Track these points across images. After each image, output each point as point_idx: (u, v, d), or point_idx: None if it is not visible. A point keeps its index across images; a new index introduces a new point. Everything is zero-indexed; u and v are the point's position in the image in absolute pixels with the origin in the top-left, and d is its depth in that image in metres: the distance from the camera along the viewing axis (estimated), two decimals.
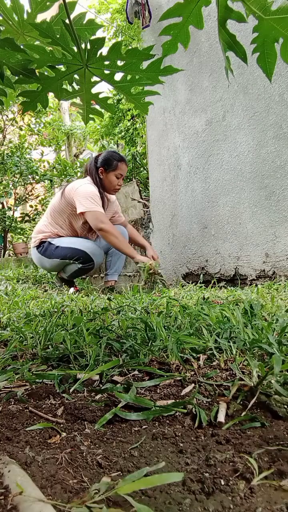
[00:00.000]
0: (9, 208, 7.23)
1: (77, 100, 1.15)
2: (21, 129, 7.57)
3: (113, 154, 3.02)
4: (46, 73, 1.06)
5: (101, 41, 0.95)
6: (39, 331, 1.15)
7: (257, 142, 2.65)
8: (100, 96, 1.14)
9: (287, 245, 2.46)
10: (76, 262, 3.01)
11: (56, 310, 1.63)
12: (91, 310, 1.54)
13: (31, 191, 7.52)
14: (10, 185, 6.80)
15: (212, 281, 2.83)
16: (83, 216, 2.88)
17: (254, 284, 2.51)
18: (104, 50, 0.97)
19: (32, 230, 7.51)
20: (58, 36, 0.95)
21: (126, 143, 6.66)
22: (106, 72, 1.02)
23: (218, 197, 2.94)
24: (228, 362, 0.85)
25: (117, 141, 7.23)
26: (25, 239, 7.97)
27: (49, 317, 1.40)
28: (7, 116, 7.24)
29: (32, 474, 0.47)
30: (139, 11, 3.62)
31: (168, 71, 1.02)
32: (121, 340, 1.01)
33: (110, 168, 2.97)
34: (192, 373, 0.81)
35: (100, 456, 0.52)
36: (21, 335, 1.17)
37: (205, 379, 0.77)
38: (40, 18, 1.08)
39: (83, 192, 2.88)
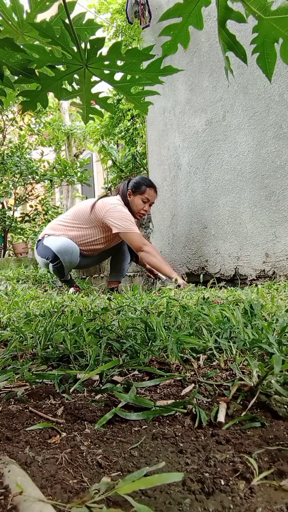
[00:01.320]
0: (9, 208, 7.23)
1: (77, 100, 1.15)
2: (21, 129, 7.57)
3: (144, 179, 3.08)
4: (45, 73, 1.06)
5: (101, 41, 0.95)
6: (39, 331, 1.15)
7: (257, 142, 2.64)
8: (100, 96, 1.14)
9: (287, 245, 2.46)
10: (49, 261, 3.05)
11: (56, 310, 1.63)
12: (91, 310, 1.54)
13: (31, 191, 7.52)
14: (10, 185, 6.80)
15: (211, 281, 2.83)
16: (119, 235, 2.93)
17: (254, 284, 2.51)
18: (104, 50, 0.97)
19: (32, 230, 7.53)
20: (57, 36, 0.95)
21: (126, 143, 6.66)
22: (106, 72, 1.02)
23: (218, 197, 2.94)
24: (228, 362, 0.85)
25: (117, 141, 7.22)
26: (25, 239, 7.97)
27: (49, 317, 1.40)
28: (7, 116, 7.24)
29: (32, 474, 0.47)
30: (139, 11, 3.62)
31: (168, 71, 1.02)
32: (121, 340, 1.01)
33: (137, 191, 3.01)
34: (192, 373, 0.81)
35: (100, 456, 0.52)
36: (21, 335, 1.17)
37: (205, 379, 0.77)
38: (39, 18, 1.08)
39: (118, 213, 2.91)
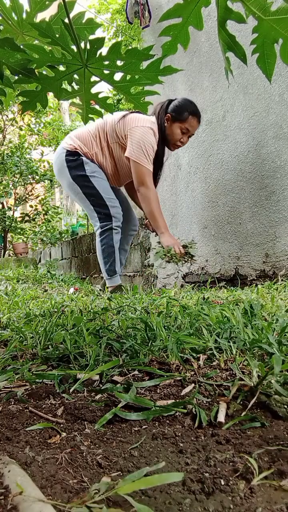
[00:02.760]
0: (9, 208, 7.23)
1: (77, 100, 1.15)
2: (21, 129, 7.57)
3: (188, 103, 2.54)
4: (45, 73, 1.06)
5: (100, 41, 0.95)
6: (39, 331, 1.15)
7: (257, 142, 2.64)
8: (100, 96, 1.14)
9: (287, 245, 2.46)
10: (95, 213, 2.61)
11: (56, 310, 1.63)
12: (91, 310, 1.54)
13: (31, 191, 7.52)
14: (10, 185, 6.80)
15: (209, 280, 2.82)
16: (129, 161, 2.52)
17: (254, 284, 2.51)
18: (103, 50, 0.97)
19: (32, 230, 7.53)
20: (57, 35, 0.95)
21: None
22: (106, 72, 1.02)
23: (218, 197, 2.94)
24: (228, 362, 0.85)
25: None
26: (25, 239, 7.97)
27: (49, 317, 1.40)
28: (7, 116, 7.24)
29: (32, 474, 0.47)
30: (139, 11, 3.62)
31: (168, 71, 1.02)
32: (121, 340, 1.01)
33: (178, 118, 2.51)
34: (192, 373, 0.81)
35: (100, 456, 0.52)
36: (21, 335, 1.17)
37: (205, 379, 0.77)
38: (39, 17, 1.08)
39: (140, 136, 2.45)
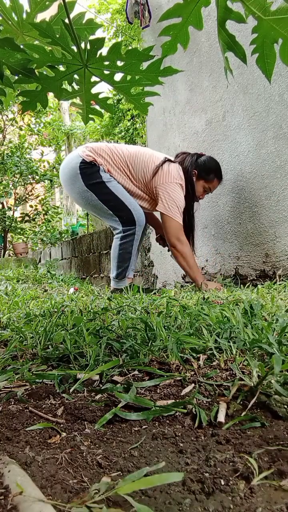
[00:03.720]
0: (9, 208, 7.24)
1: (77, 100, 1.15)
2: (21, 129, 7.57)
3: (217, 166, 2.63)
4: (45, 73, 1.06)
5: (100, 41, 0.95)
6: (39, 331, 1.15)
7: (257, 142, 2.64)
8: (100, 96, 1.14)
9: (287, 245, 2.46)
10: (116, 218, 2.54)
11: (56, 310, 1.63)
12: (91, 310, 1.54)
13: (31, 191, 7.53)
14: (10, 185, 6.80)
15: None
16: (161, 214, 2.51)
17: (251, 284, 2.51)
18: (104, 50, 0.97)
19: (32, 230, 7.53)
20: (57, 36, 0.95)
21: (126, 143, 6.67)
22: (106, 72, 1.02)
23: (218, 197, 2.94)
24: (228, 362, 0.85)
25: (117, 141, 7.23)
26: (25, 239, 7.98)
27: (49, 317, 1.40)
28: (7, 116, 7.24)
29: (32, 474, 0.47)
30: (139, 11, 3.62)
31: (168, 72, 1.02)
32: (121, 340, 1.01)
33: (204, 177, 2.59)
34: (192, 373, 0.81)
35: (100, 456, 0.52)
36: (21, 335, 1.17)
37: (205, 379, 0.77)
38: (39, 18, 1.08)
39: (174, 193, 2.49)
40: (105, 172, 2.54)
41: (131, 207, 2.53)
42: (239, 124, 2.78)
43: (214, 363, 0.86)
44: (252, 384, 0.69)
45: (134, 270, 2.77)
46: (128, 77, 1.04)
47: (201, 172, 2.57)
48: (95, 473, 0.48)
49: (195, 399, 0.68)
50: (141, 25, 3.65)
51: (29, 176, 6.81)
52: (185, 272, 2.57)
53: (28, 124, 7.62)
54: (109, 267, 4.31)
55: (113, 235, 2.67)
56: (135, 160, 2.56)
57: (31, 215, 7.33)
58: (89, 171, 2.52)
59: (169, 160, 2.58)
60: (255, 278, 2.66)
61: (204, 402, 0.68)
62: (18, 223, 7.29)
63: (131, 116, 6.61)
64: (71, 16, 1.01)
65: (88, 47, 0.96)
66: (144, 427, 0.61)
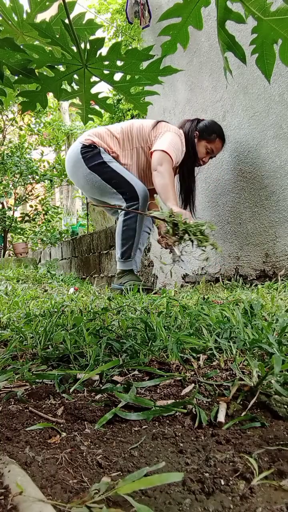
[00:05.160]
0: (9, 208, 7.24)
1: (76, 100, 1.15)
2: (21, 129, 7.57)
3: (217, 126, 2.59)
4: (45, 73, 1.06)
5: (100, 41, 0.95)
6: (39, 331, 1.15)
7: (257, 142, 2.64)
8: (100, 96, 1.14)
9: (287, 245, 2.46)
10: (120, 195, 2.49)
11: (56, 310, 1.63)
12: (91, 310, 1.54)
13: (31, 191, 7.53)
14: (10, 185, 6.80)
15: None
16: (151, 155, 2.45)
17: (254, 284, 2.51)
18: (103, 50, 0.97)
19: (32, 230, 7.53)
20: (57, 36, 0.95)
21: None
22: (106, 72, 1.02)
23: (218, 197, 2.94)
24: (228, 362, 0.85)
25: None
26: (25, 239, 7.98)
27: (49, 317, 1.40)
28: (7, 116, 7.24)
29: (32, 474, 0.47)
30: (139, 11, 3.62)
31: (168, 72, 1.02)
32: (121, 340, 1.01)
33: (206, 137, 2.55)
34: (192, 373, 0.81)
35: (100, 456, 0.52)
36: (21, 335, 1.17)
37: (205, 379, 0.77)
38: (39, 18, 1.08)
39: (171, 139, 2.42)
40: (105, 153, 2.55)
41: (133, 183, 2.50)
42: (239, 124, 2.78)
43: (214, 363, 0.86)
44: (252, 384, 0.69)
45: (138, 269, 2.72)
46: (128, 77, 1.04)
47: (203, 132, 2.54)
48: (95, 473, 0.48)
49: (195, 399, 0.68)
50: (141, 25, 3.65)
51: (29, 176, 6.81)
52: (161, 192, 2.34)
53: (28, 124, 7.62)
54: (109, 267, 4.31)
55: (113, 235, 2.66)
56: (131, 125, 2.59)
57: (31, 215, 7.33)
58: (90, 154, 2.53)
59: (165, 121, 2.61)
60: (255, 278, 2.66)
61: (204, 402, 0.68)
62: (18, 223, 7.29)
63: (131, 116, 6.61)
64: (71, 16, 1.01)
65: (88, 47, 0.96)
66: (144, 427, 0.61)
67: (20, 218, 7.32)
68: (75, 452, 0.53)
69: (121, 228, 2.55)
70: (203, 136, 2.56)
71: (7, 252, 7.55)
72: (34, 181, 7.04)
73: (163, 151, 2.38)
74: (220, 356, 0.87)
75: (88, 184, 2.59)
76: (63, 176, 6.94)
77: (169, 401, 0.68)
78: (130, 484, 0.41)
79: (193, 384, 0.75)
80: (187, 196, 2.65)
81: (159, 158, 2.38)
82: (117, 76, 1.05)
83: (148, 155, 2.56)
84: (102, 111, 1.18)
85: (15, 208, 7.30)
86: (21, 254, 7.74)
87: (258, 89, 2.63)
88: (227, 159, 2.85)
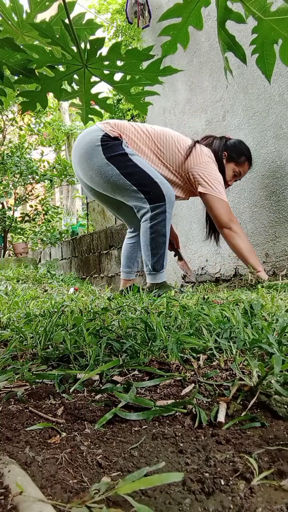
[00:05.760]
0: (9, 208, 7.24)
1: (76, 101, 1.15)
2: (21, 129, 7.57)
3: (247, 148, 2.41)
4: (45, 73, 1.06)
5: (100, 41, 0.95)
6: (39, 331, 1.15)
7: (257, 142, 2.64)
8: (100, 96, 1.14)
9: (287, 245, 2.46)
10: (142, 194, 2.19)
11: (56, 310, 1.63)
12: (91, 310, 1.54)
13: (31, 191, 7.53)
14: (10, 185, 6.81)
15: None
16: (203, 197, 2.25)
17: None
18: (103, 50, 0.97)
19: (32, 230, 7.53)
20: (57, 36, 0.95)
21: None
22: (106, 72, 1.02)
23: None
24: (228, 362, 0.85)
25: None
26: (25, 239, 7.98)
27: (49, 317, 1.40)
28: (7, 116, 7.24)
29: (32, 474, 0.47)
30: (139, 11, 3.62)
31: (168, 72, 1.02)
32: (121, 340, 1.01)
33: (235, 160, 2.36)
34: (192, 373, 0.81)
35: (100, 456, 0.52)
36: (21, 335, 1.17)
37: (205, 379, 0.77)
38: (39, 18, 1.08)
39: (212, 172, 2.23)
40: (128, 147, 2.25)
41: (158, 181, 2.19)
42: (239, 124, 2.78)
43: (214, 363, 0.86)
44: (252, 384, 0.69)
45: (136, 270, 2.62)
46: (128, 77, 1.04)
47: (232, 154, 2.35)
48: (95, 473, 0.48)
49: (195, 399, 0.68)
50: (138, 25, 3.65)
51: (29, 176, 6.81)
52: (241, 257, 2.26)
53: (28, 124, 7.62)
54: (109, 267, 4.31)
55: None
56: (163, 140, 2.29)
57: (31, 215, 7.33)
58: (111, 143, 2.21)
59: (198, 142, 2.37)
60: None
61: (204, 402, 0.68)
62: (18, 223, 7.29)
63: (131, 116, 6.61)
64: (71, 16, 1.01)
65: (88, 47, 0.96)
66: (144, 427, 0.61)
67: (20, 218, 7.32)
68: (75, 452, 0.53)
69: (149, 236, 2.20)
70: (232, 158, 2.36)
71: (7, 252, 7.55)
72: (34, 181, 7.04)
73: (222, 199, 2.22)
74: (220, 356, 0.87)
75: (101, 177, 2.23)
76: (63, 176, 6.94)
77: (169, 401, 0.68)
78: (130, 484, 0.41)
79: (193, 384, 0.75)
80: (213, 225, 2.44)
81: (225, 211, 2.22)
82: (117, 76, 1.05)
83: (179, 180, 2.34)
84: (102, 111, 1.18)
85: (15, 208, 7.30)
86: (21, 254, 7.74)
87: (258, 89, 2.63)
88: None
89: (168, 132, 2.35)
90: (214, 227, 2.43)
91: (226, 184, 2.41)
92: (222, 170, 2.32)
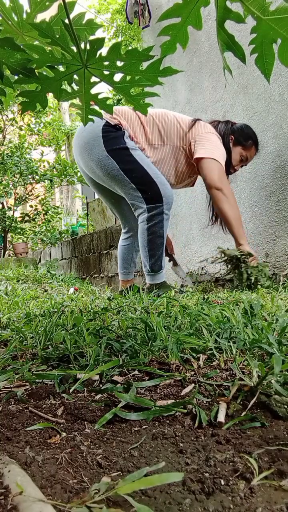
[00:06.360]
0: (9, 208, 7.24)
1: (76, 101, 1.15)
2: (21, 129, 7.57)
3: (253, 131, 2.35)
4: (45, 73, 1.06)
5: (100, 41, 0.95)
6: (39, 331, 1.15)
7: None
8: (100, 96, 1.14)
9: (287, 245, 2.46)
10: (139, 193, 2.15)
11: (56, 310, 1.63)
12: (91, 310, 1.54)
13: (31, 191, 7.53)
14: (10, 185, 6.80)
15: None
16: (199, 163, 2.17)
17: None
18: (103, 51, 0.97)
19: (32, 230, 7.53)
20: (57, 36, 0.95)
21: None
22: (106, 72, 1.02)
23: None
24: (228, 362, 0.85)
25: None
26: (25, 239, 7.98)
27: (49, 317, 1.40)
28: (7, 116, 7.24)
29: (32, 474, 0.47)
30: (139, 11, 3.63)
31: (167, 72, 1.02)
32: (121, 340, 1.01)
33: (242, 143, 2.30)
34: (192, 373, 0.81)
35: (100, 456, 0.52)
36: (21, 335, 1.17)
37: (205, 379, 0.77)
38: (39, 18, 1.08)
39: (218, 144, 2.19)
40: (130, 139, 2.21)
41: (157, 180, 2.15)
42: None
43: (214, 363, 0.86)
44: (252, 384, 0.69)
45: (134, 271, 2.62)
46: (128, 77, 1.03)
47: (239, 137, 2.29)
48: (95, 473, 0.48)
49: (195, 399, 0.68)
50: (141, 25, 3.65)
51: (29, 176, 6.81)
52: (226, 223, 2.21)
53: (28, 124, 7.61)
54: (109, 267, 4.31)
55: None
56: (164, 118, 2.26)
57: (31, 215, 7.33)
58: (112, 134, 2.15)
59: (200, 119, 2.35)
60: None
61: (204, 402, 0.68)
62: (18, 223, 7.29)
63: None
64: (71, 16, 1.01)
65: (88, 47, 0.96)
66: (144, 427, 0.61)
67: (20, 218, 7.32)
68: (75, 452, 0.53)
69: (146, 237, 2.19)
70: (239, 141, 2.30)
71: (7, 252, 7.55)
72: (34, 181, 7.04)
73: (217, 161, 2.15)
74: (220, 356, 0.87)
75: (101, 169, 2.20)
76: (63, 176, 6.94)
77: (169, 401, 0.68)
78: (130, 484, 0.41)
79: (193, 384, 0.75)
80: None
81: (218, 172, 2.14)
82: (117, 77, 1.05)
83: (182, 155, 2.27)
84: (102, 111, 1.18)
85: (15, 208, 7.30)
86: (21, 254, 7.74)
87: (258, 89, 2.63)
88: None
89: (168, 111, 2.34)
90: None
91: (233, 169, 2.36)
92: (228, 154, 2.26)
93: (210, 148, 2.16)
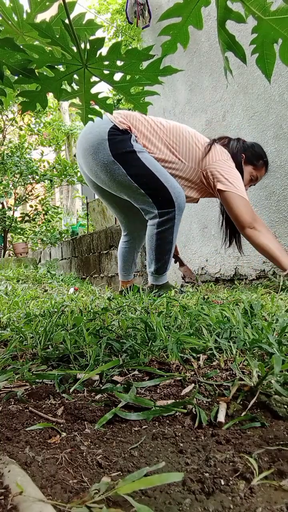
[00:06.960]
0: (9, 208, 7.24)
1: (76, 101, 1.15)
2: (21, 129, 7.57)
3: (263, 151, 2.31)
4: (45, 73, 1.06)
5: (100, 41, 0.95)
6: (39, 331, 1.15)
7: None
8: (100, 96, 1.14)
9: (287, 245, 2.46)
10: (149, 198, 2.06)
11: (56, 310, 1.63)
12: (91, 310, 1.54)
13: (31, 191, 7.53)
14: (10, 185, 6.81)
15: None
16: (222, 194, 2.09)
17: (254, 284, 2.51)
18: (103, 50, 0.97)
19: (32, 230, 7.53)
20: (57, 36, 0.95)
21: None
22: (106, 72, 1.02)
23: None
24: (228, 362, 0.85)
25: None
26: (25, 239, 7.98)
27: (49, 317, 1.40)
28: (7, 116, 7.24)
29: (32, 474, 0.47)
30: (139, 11, 3.63)
31: (167, 72, 1.01)
32: (121, 340, 1.01)
33: (253, 163, 2.24)
34: (192, 373, 0.81)
35: (100, 456, 0.52)
36: (21, 335, 1.17)
37: (205, 379, 0.77)
38: (39, 18, 1.08)
39: (231, 170, 2.10)
40: (137, 142, 2.09)
41: (168, 185, 2.05)
42: (239, 124, 2.78)
43: (214, 363, 0.86)
44: (252, 384, 0.69)
45: (134, 271, 2.59)
46: (128, 77, 1.03)
47: (251, 157, 2.23)
48: (95, 473, 0.48)
49: (195, 399, 0.68)
50: (137, 25, 3.65)
51: (29, 176, 6.81)
52: (269, 257, 2.10)
53: (28, 124, 7.62)
54: (109, 267, 4.31)
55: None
56: (179, 134, 2.15)
57: (31, 215, 7.34)
58: (119, 138, 2.05)
59: (216, 141, 2.25)
60: (255, 278, 2.66)
61: (204, 402, 0.68)
62: (18, 223, 7.29)
63: None
64: (71, 16, 1.00)
65: (88, 47, 0.96)
66: (144, 427, 0.61)
67: (20, 218, 7.32)
68: (75, 452, 0.53)
69: (154, 243, 2.13)
70: (250, 161, 2.23)
71: (7, 252, 7.55)
72: (34, 181, 7.04)
73: (242, 197, 2.08)
74: (220, 356, 0.87)
75: (106, 175, 2.10)
76: (63, 176, 6.95)
77: (169, 401, 0.68)
78: (130, 484, 0.41)
79: (193, 384, 0.75)
80: (234, 229, 2.27)
81: (247, 209, 2.08)
82: (117, 76, 1.05)
83: (195, 176, 2.19)
84: (102, 111, 1.18)
85: (15, 208, 7.30)
86: (21, 254, 7.74)
87: (258, 89, 2.63)
88: None
89: (184, 127, 2.23)
90: (235, 231, 2.27)
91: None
92: (240, 172, 2.19)
93: (233, 180, 2.09)
